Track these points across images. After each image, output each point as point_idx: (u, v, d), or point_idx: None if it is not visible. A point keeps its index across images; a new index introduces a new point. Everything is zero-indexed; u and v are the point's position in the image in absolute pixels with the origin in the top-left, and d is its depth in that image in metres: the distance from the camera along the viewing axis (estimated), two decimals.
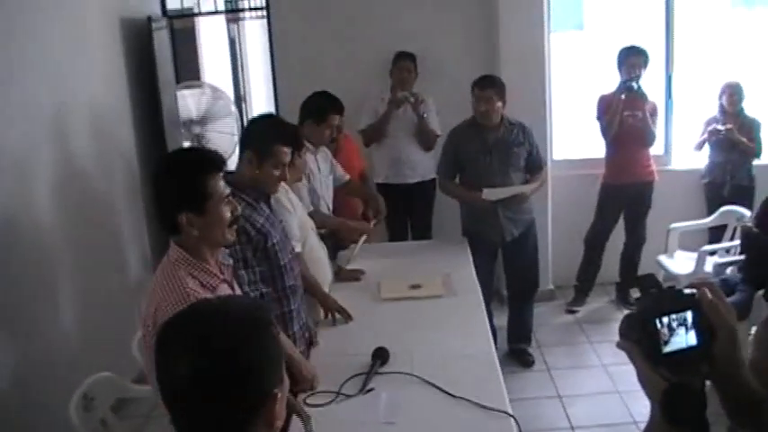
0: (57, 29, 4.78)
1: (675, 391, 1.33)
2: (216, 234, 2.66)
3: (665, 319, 1.36)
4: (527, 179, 5.32)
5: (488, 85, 5.15)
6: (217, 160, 2.68)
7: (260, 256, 3.30)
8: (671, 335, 1.35)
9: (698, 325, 1.37)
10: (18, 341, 4.15)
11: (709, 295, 1.39)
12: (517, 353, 5.63)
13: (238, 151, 3.52)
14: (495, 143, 5.17)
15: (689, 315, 1.37)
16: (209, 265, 2.67)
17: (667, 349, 1.35)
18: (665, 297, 1.40)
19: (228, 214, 2.66)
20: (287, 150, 3.39)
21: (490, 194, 5.08)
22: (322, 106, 4.77)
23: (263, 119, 3.73)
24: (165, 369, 1.56)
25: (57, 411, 3.20)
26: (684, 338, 1.36)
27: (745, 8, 10.67)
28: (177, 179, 2.63)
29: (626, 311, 5.84)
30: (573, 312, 6.47)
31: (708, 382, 1.39)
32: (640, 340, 1.37)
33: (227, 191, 2.67)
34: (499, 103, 5.15)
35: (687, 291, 1.41)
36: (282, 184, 3.52)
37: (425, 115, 6.03)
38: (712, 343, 1.37)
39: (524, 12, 6.21)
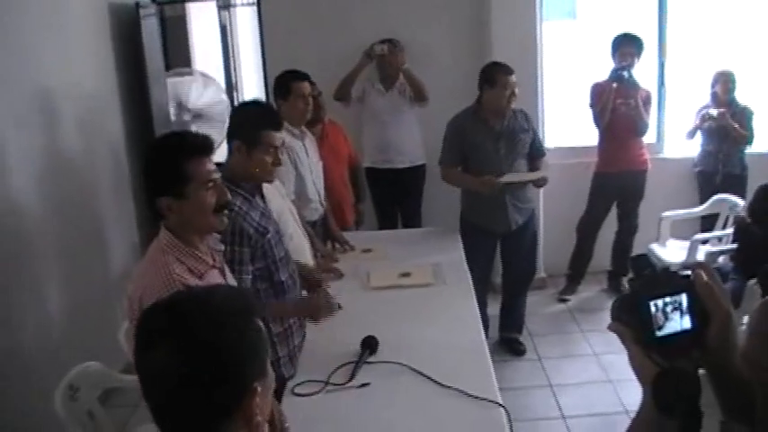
0: (42, 15, 4.72)
1: (668, 376, 1.29)
2: (198, 220, 2.62)
3: (660, 303, 1.32)
4: (529, 167, 5.23)
5: (512, 71, 4.99)
6: (200, 143, 2.63)
7: (258, 254, 3.25)
8: (665, 319, 1.32)
9: (692, 309, 1.33)
10: (1, 331, 4.10)
11: (705, 277, 1.35)
12: (508, 342, 5.61)
13: (226, 142, 3.45)
14: (502, 131, 5.08)
15: (683, 298, 1.33)
16: (199, 251, 2.64)
17: (661, 333, 1.32)
18: (660, 279, 1.36)
19: (213, 200, 2.62)
20: (276, 134, 3.34)
21: (508, 178, 4.97)
22: (283, 80, 4.71)
23: (246, 106, 3.68)
24: (143, 356, 1.53)
25: (42, 402, 3.16)
26: (679, 323, 1.33)
27: None
28: (156, 162, 2.61)
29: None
30: (564, 301, 6.45)
31: (701, 371, 1.35)
32: (633, 323, 1.34)
33: (215, 176, 2.62)
34: (517, 91, 5.02)
35: (682, 273, 1.37)
36: None
37: (406, 65, 6.01)
38: (706, 327, 1.34)
39: (516, 0, 6.16)
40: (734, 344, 1.35)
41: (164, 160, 2.59)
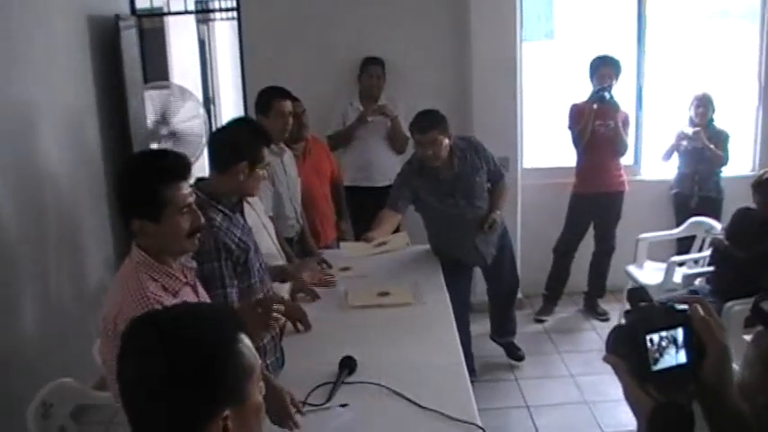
0: (20, 26, 4.67)
1: (664, 410, 1.28)
2: (171, 243, 2.60)
3: (656, 337, 1.31)
4: (491, 194, 5.07)
5: (429, 127, 4.70)
6: (180, 167, 2.60)
7: (240, 270, 3.23)
8: (661, 353, 1.31)
9: (688, 343, 1.33)
10: None
11: (701, 312, 1.34)
12: (507, 346, 5.68)
13: (216, 163, 3.40)
14: (453, 182, 4.88)
15: (679, 332, 1.33)
16: (172, 269, 2.62)
17: (656, 367, 1.31)
18: (656, 312, 1.35)
19: (187, 225, 2.59)
20: (267, 150, 3.43)
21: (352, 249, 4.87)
22: (265, 97, 4.73)
23: (243, 125, 3.62)
24: (125, 363, 1.57)
25: (14, 418, 3.11)
26: (674, 357, 1.32)
27: (716, 20, 10.75)
28: (132, 184, 2.57)
29: (594, 322, 5.81)
30: (541, 321, 6.46)
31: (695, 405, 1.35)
32: (629, 356, 1.33)
33: (190, 200, 2.60)
34: (445, 141, 4.74)
35: (678, 306, 1.36)
36: None
37: (398, 116, 6.03)
38: (702, 361, 1.33)
39: (496, 20, 6.18)
40: (730, 378, 1.34)
41: (139, 184, 2.55)
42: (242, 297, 3.23)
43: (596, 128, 6.08)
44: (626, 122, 6.17)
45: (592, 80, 6.12)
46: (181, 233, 2.59)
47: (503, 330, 5.71)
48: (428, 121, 4.73)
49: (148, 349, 1.53)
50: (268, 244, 4.02)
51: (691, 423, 1.27)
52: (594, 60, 6.15)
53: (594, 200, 6.25)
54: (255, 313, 2.83)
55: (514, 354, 5.67)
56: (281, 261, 4.15)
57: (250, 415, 1.59)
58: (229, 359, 1.55)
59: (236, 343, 1.57)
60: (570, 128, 6.21)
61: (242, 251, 3.21)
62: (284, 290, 4.06)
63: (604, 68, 6.08)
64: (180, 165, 2.62)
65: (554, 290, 6.56)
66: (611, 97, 6.02)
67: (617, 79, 6.12)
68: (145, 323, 1.61)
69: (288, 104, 4.70)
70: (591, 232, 6.45)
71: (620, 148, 6.16)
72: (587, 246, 6.48)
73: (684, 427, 1.27)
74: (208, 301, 2.82)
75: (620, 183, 6.27)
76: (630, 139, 6.40)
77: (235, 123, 3.71)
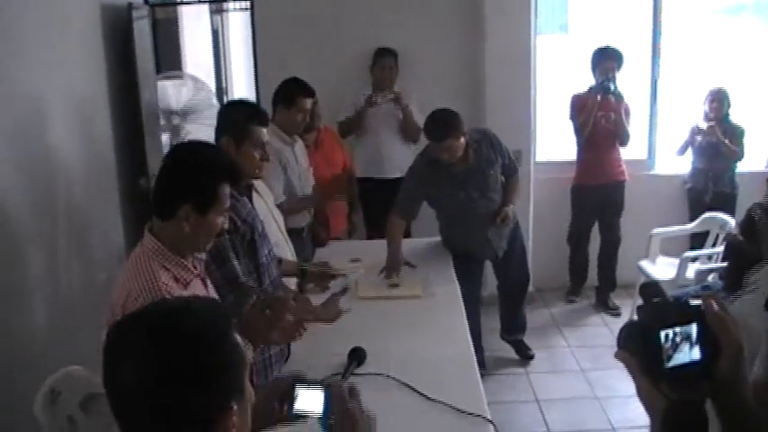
0: (32, 14, 4.66)
1: (678, 408, 1.25)
2: (200, 239, 2.64)
3: (669, 333, 1.27)
4: (503, 188, 5.02)
5: (443, 136, 4.61)
6: (238, 172, 2.74)
7: (247, 246, 3.26)
8: (674, 350, 1.28)
9: (702, 339, 1.29)
10: None
11: (715, 307, 1.31)
12: (516, 344, 5.67)
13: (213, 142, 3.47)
14: (466, 176, 4.81)
15: (693, 329, 1.29)
16: (185, 260, 2.62)
17: (670, 364, 1.27)
18: (669, 308, 1.31)
19: (219, 226, 2.67)
20: (263, 130, 3.44)
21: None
22: (290, 90, 4.74)
23: (232, 104, 3.73)
24: (116, 369, 1.47)
25: (21, 406, 3.11)
26: (688, 354, 1.28)
27: (731, 15, 10.69)
28: (199, 173, 2.61)
29: (605, 316, 5.78)
30: (572, 302, 6.61)
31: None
32: (641, 353, 1.29)
33: (228, 204, 2.68)
34: (461, 141, 4.67)
35: (692, 302, 1.33)
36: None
37: (409, 106, 6.01)
38: (716, 359, 1.30)
39: (511, 13, 6.17)
40: (744, 376, 1.31)
41: (206, 174, 2.61)
42: (251, 275, 3.24)
43: (598, 119, 6.10)
44: (627, 112, 6.19)
45: (594, 72, 6.12)
46: (213, 232, 2.66)
47: (512, 328, 5.69)
48: (443, 130, 4.64)
49: (141, 352, 1.43)
50: (276, 233, 4.01)
51: (705, 421, 1.24)
52: (596, 52, 6.17)
53: (595, 191, 6.27)
54: (264, 316, 2.82)
55: (524, 353, 5.66)
56: (288, 250, 4.13)
57: (247, 406, 1.56)
58: (232, 351, 1.51)
59: (232, 334, 1.53)
60: (572, 118, 6.22)
61: (248, 227, 3.24)
62: (292, 281, 4.05)
63: (606, 61, 6.08)
64: (237, 169, 2.76)
65: (576, 282, 6.69)
66: (616, 88, 6.03)
67: (619, 71, 6.11)
68: (132, 323, 1.52)
69: (309, 102, 4.75)
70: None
71: (623, 139, 6.17)
72: (596, 240, 6.47)
73: (699, 426, 1.24)
74: (215, 295, 2.81)
75: (620, 173, 6.27)
76: (644, 134, 6.38)
77: (228, 103, 3.78)
